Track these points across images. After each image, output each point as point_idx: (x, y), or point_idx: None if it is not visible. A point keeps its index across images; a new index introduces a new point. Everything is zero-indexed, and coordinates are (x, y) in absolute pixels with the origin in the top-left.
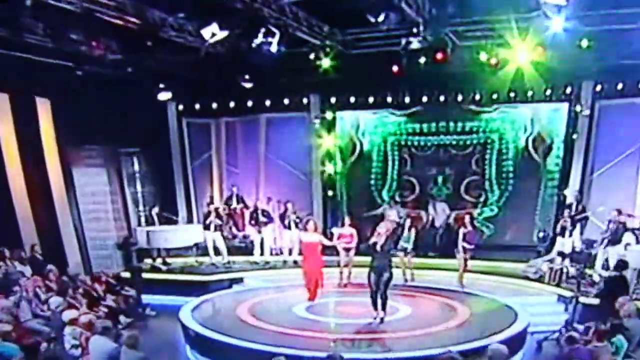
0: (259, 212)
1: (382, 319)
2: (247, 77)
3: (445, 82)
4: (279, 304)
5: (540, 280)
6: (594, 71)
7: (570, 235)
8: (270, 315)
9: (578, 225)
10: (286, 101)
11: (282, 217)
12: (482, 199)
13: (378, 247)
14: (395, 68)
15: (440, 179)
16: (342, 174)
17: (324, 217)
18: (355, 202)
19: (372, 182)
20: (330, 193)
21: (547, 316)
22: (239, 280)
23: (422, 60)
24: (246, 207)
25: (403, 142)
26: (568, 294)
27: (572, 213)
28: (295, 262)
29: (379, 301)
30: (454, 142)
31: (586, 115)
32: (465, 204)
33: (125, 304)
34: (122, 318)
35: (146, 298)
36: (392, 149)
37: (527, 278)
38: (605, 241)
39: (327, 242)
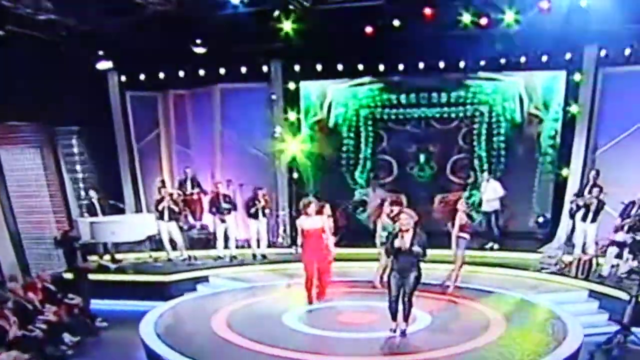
0: (221, 197)
1: (403, 332)
2: (199, 41)
3: (425, 46)
4: (262, 312)
5: (563, 272)
6: (597, 35)
7: (594, 220)
8: (255, 329)
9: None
10: (243, 70)
11: (250, 204)
12: (470, 180)
13: (404, 248)
14: (368, 29)
15: (422, 157)
16: (308, 153)
17: (290, 202)
18: (324, 185)
19: (343, 162)
20: (295, 175)
21: (580, 316)
22: (204, 280)
23: (398, 22)
24: (203, 192)
25: (378, 116)
26: (602, 289)
27: (597, 194)
28: (263, 256)
29: (400, 308)
30: (437, 115)
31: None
32: (451, 186)
33: (70, 316)
34: (66, 336)
35: (94, 304)
36: (365, 123)
37: (542, 270)
38: (626, 227)
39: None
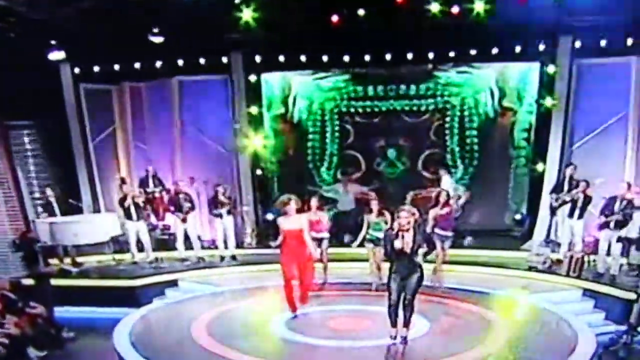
0: (181, 196)
1: (404, 338)
2: (155, 30)
3: (392, 36)
4: (245, 318)
5: (552, 271)
6: (572, 25)
7: (581, 216)
8: (239, 338)
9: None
10: (202, 61)
11: (213, 202)
12: None
13: (407, 250)
14: (334, 18)
15: (392, 152)
16: (272, 148)
17: (254, 200)
18: (289, 181)
19: (309, 157)
20: (259, 172)
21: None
22: (173, 284)
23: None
24: (166, 190)
25: (344, 109)
26: (597, 287)
27: (584, 189)
28: (233, 257)
29: (401, 313)
30: (406, 108)
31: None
32: (424, 182)
33: (33, 328)
34: (31, 351)
35: (56, 312)
36: (331, 117)
37: (531, 268)
38: (612, 223)
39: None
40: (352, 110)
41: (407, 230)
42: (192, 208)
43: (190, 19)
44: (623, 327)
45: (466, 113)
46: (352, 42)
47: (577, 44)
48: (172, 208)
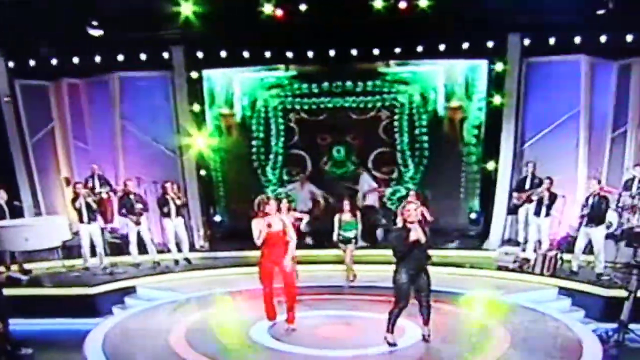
0: (132, 197)
1: (428, 336)
2: (95, 22)
3: (337, 32)
4: (225, 327)
5: (522, 270)
6: (522, 23)
7: (548, 214)
8: (222, 349)
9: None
10: (143, 56)
11: (162, 201)
12: (394, 176)
13: (423, 240)
14: (279, 12)
15: (339, 150)
16: (216, 148)
17: (201, 201)
18: (233, 182)
19: (254, 156)
20: (203, 172)
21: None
22: (131, 290)
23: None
24: (113, 191)
25: (289, 106)
26: (571, 285)
27: (549, 186)
28: (187, 260)
29: (396, 320)
30: (353, 105)
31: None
32: (376, 181)
33: None
34: None
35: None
36: (275, 114)
37: (501, 268)
38: (586, 220)
39: (291, 231)
40: (297, 107)
41: (413, 222)
42: (145, 209)
43: (130, 12)
44: (604, 325)
45: (415, 111)
46: (296, 37)
47: (526, 42)
48: (123, 210)
